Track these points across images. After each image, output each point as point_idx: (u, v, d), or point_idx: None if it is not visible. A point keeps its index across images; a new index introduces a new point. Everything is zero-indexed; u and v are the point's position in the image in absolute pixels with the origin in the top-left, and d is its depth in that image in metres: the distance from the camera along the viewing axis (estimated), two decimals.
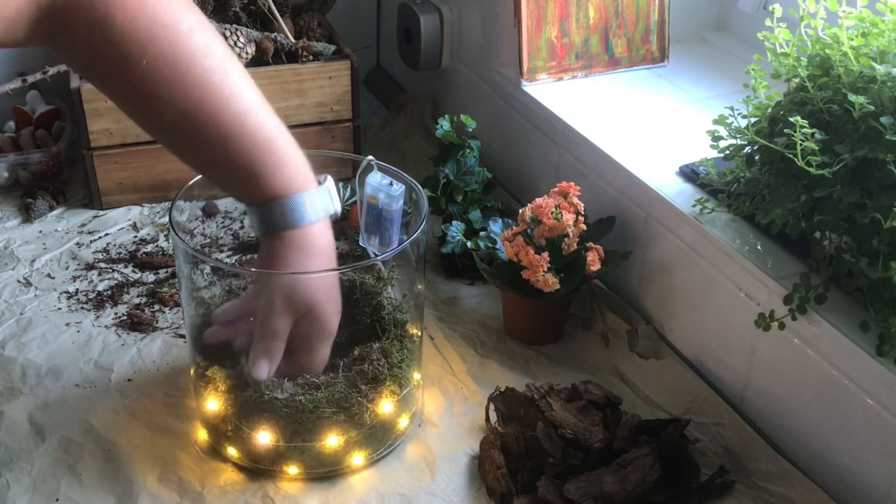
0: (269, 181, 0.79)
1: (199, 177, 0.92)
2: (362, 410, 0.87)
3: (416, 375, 0.95)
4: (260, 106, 0.79)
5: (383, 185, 0.92)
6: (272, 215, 0.80)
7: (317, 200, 0.82)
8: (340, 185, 1.27)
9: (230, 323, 0.89)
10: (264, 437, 0.87)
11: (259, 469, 0.89)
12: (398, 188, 0.92)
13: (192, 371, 0.93)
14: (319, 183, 0.83)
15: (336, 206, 0.84)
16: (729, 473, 0.89)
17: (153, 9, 0.73)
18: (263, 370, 0.84)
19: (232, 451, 0.90)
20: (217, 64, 0.76)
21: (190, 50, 0.74)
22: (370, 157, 0.92)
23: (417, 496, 0.87)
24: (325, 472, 0.89)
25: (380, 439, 0.90)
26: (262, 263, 0.83)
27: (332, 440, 0.87)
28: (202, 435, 0.93)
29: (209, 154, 0.79)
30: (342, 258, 1.21)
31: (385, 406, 0.89)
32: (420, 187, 0.93)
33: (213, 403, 0.89)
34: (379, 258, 0.94)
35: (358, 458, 0.90)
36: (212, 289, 0.95)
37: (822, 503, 0.85)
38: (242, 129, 0.77)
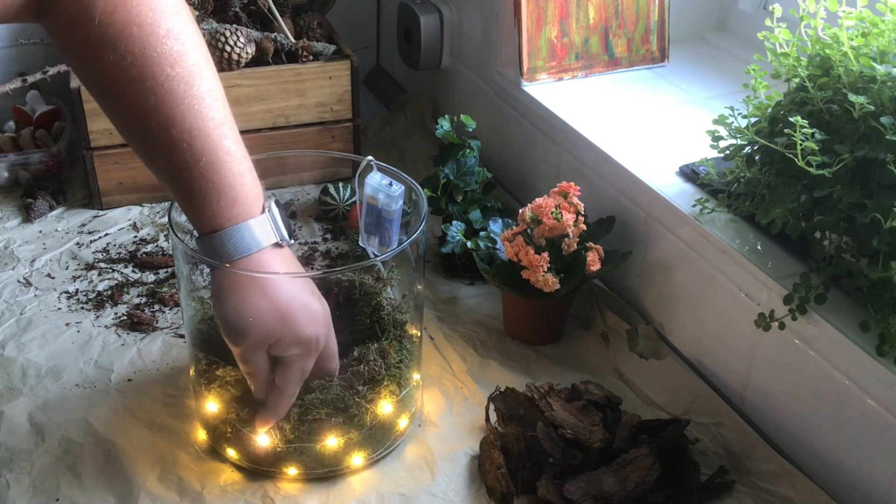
0: (205, 208, 0.77)
1: None
2: (361, 411, 0.87)
3: (416, 376, 0.94)
4: (217, 125, 0.76)
5: (383, 186, 0.92)
6: (212, 247, 0.78)
7: (257, 231, 0.79)
8: (340, 185, 1.28)
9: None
10: (263, 439, 0.87)
11: (259, 470, 0.89)
12: (398, 188, 0.92)
13: (191, 371, 0.93)
14: (264, 209, 0.80)
15: (280, 234, 0.80)
16: (729, 473, 0.89)
17: (135, 7, 0.73)
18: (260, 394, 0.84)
19: (231, 453, 0.90)
20: (184, 74, 0.74)
21: (159, 54, 0.73)
22: (369, 158, 0.92)
23: (417, 496, 0.87)
24: (325, 472, 0.89)
25: (379, 440, 0.90)
26: (214, 301, 0.80)
27: (331, 441, 0.87)
28: (201, 435, 0.93)
29: (155, 164, 0.78)
30: (342, 258, 1.22)
31: (384, 407, 0.89)
32: (420, 187, 0.93)
33: (213, 404, 0.89)
34: (378, 258, 0.94)
35: (357, 458, 0.89)
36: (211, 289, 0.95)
37: (822, 503, 0.85)
38: (190, 146, 0.75)
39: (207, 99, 0.76)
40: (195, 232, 0.81)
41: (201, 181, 0.76)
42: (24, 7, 0.73)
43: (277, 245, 0.80)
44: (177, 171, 0.76)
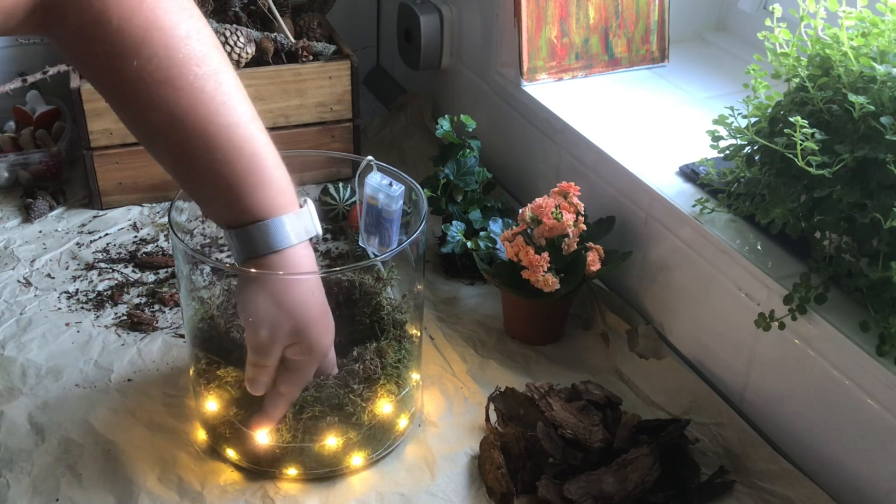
0: (249, 199, 0.77)
1: None
2: (358, 411, 0.87)
3: (416, 376, 0.94)
4: (250, 120, 0.78)
5: (383, 186, 0.92)
6: (252, 238, 0.78)
7: (297, 223, 0.79)
8: (340, 185, 1.28)
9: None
10: (263, 437, 0.87)
11: (258, 470, 0.89)
12: (397, 188, 0.92)
13: (191, 371, 0.93)
14: (300, 206, 0.81)
15: (317, 229, 0.81)
16: (729, 473, 0.89)
17: (151, 10, 0.73)
18: (259, 391, 0.84)
19: (231, 453, 0.90)
20: (211, 73, 0.75)
21: (184, 55, 0.74)
22: (369, 158, 0.92)
23: (417, 496, 0.87)
24: (325, 472, 0.89)
25: (379, 440, 0.90)
26: (241, 292, 0.81)
27: (330, 441, 0.87)
28: (201, 436, 0.93)
29: (192, 164, 0.78)
30: (342, 258, 1.22)
31: (383, 407, 0.89)
32: (420, 187, 0.93)
33: (213, 404, 0.89)
34: (378, 258, 0.94)
35: (357, 458, 0.89)
36: (212, 289, 0.95)
37: (822, 503, 0.85)
38: (229, 141, 0.76)
39: (237, 94, 0.77)
40: (228, 226, 0.80)
41: (247, 174, 0.77)
42: (26, 19, 0.72)
43: (309, 240, 0.81)
44: (220, 166, 0.76)
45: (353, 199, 1.28)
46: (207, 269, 0.96)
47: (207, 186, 0.79)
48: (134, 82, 0.73)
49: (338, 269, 0.85)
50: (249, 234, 0.78)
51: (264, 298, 0.79)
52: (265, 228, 0.78)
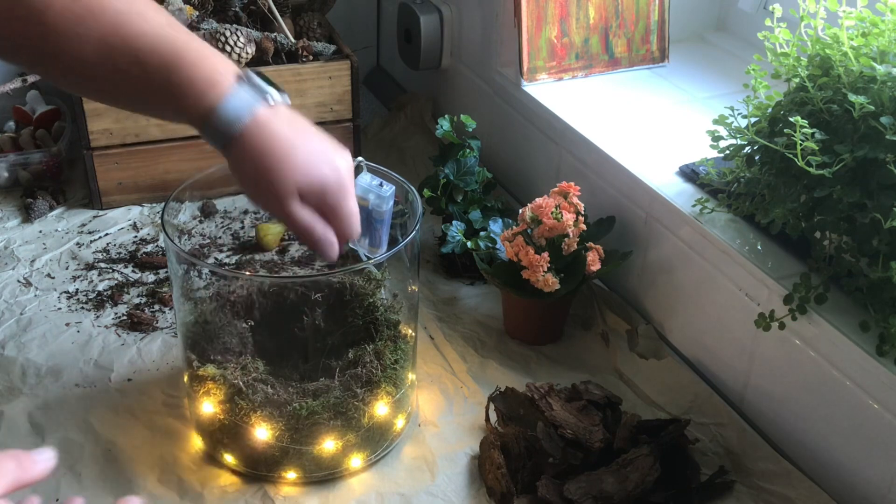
0: (191, 97, 0.77)
1: (196, 178, 0.92)
2: (359, 414, 0.87)
3: (411, 376, 0.94)
4: (172, 21, 0.79)
5: (373, 186, 0.92)
6: (216, 130, 0.78)
7: (244, 97, 0.78)
8: None
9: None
10: (260, 443, 0.86)
11: (257, 475, 0.89)
12: (388, 189, 0.92)
13: (185, 377, 0.93)
14: (241, 77, 0.80)
15: (269, 91, 0.80)
16: (729, 473, 0.89)
17: None
18: (332, 252, 0.81)
19: (229, 458, 0.90)
20: None
21: None
22: (360, 159, 0.92)
23: (417, 496, 0.87)
24: (324, 475, 0.89)
25: (377, 441, 0.90)
26: (237, 174, 0.80)
27: (328, 444, 0.87)
28: (198, 443, 0.93)
29: (139, 80, 0.77)
30: (342, 258, 1.22)
31: (380, 408, 0.88)
32: (412, 187, 0.93)
33: (208, 405, 0.89)
34: (371, 262, 0.94)
35: (356, 460, 0.89)
36: (208, 290, 0.95)
37: (822, 503, 0.85)
38: (159, 44, 0.76)
39: (150, 4, 0.78)
40: (197, 125, 0.80)
41: (179, 73, 0.77)
42: None
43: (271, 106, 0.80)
44: (159, 72, 0.76)
45: None
46: (207, 270, 0.96)
47: (155, 100, 0.79)
48: (61, 24, 0.74)
49: (334, 271, 0.85)
50: (212, 127, 0.78)
51: (251, 164, 0.78)
52: (219, 115, 0.77)
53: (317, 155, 0.80)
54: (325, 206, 0.80)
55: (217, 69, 0.79)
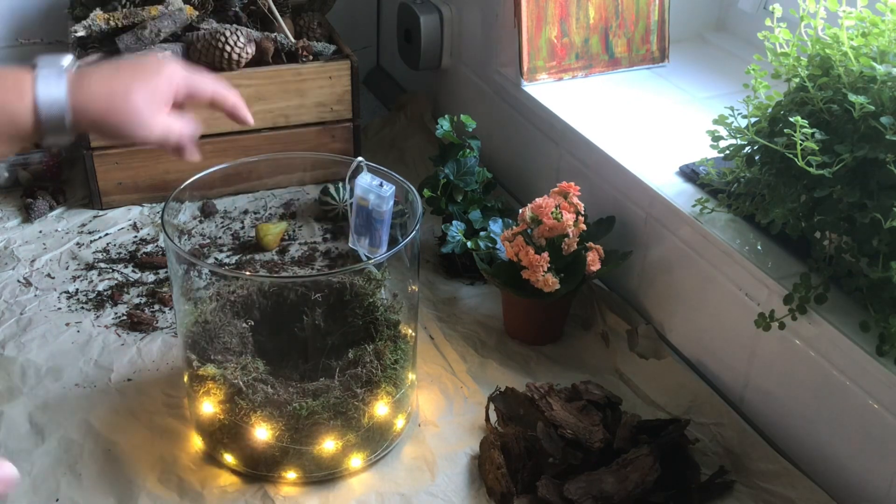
0: (8, 97, 0.77)
1: (196, 178, 0.92)
2: (359, 414, 0.87)
3: (411, 376, 0.94)
4: None
5: (373, 186, 0.92)
6: (48, 124, 0.77)
7: (45, 82, 0.77)
8: (340, 185, 1.28)
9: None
10: (260, 443, 0.86)
11: (257, 475, 0.89)
12: (388, 189, 0.92)
13: (185, 377, 0.93)
14: (33, 67, 0.79)
15: (63, 60, 0.79)
16: (729, 473, 0.89)
17: None
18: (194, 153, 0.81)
19: (229, 458, 0.90)
20: None
21: None
22: (360, 159, 0.92)
23: (417, 496, 0.87)
24: (324, 475, 0.89)
25: (377, 441, 0.90)
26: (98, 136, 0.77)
27: (328, 444, 0.87)
28: (198, 444, 0.93)
29: None
30: (342, 258, 1.22)
31: (380, 408, 0.88)
32: (412, 187, 0.93)
33: (208, 405, 0.89)
34: (371, 262, 0.94)
35: (356, 460, 0.89)
36: (208, 290, 0.95)
37: (822, 503, 0.85)
38: None
39: None
40: (35, 128, 0.78)
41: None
42: None
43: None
44: None
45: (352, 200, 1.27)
46: (206, 270, 0.96)
47: None
48: None
49: (334, 271, 0.85)
50: (44, 123, 0.77)
51: (101, 125, 0.78)
52: (40, 98, 0.76)
53: (142, 79, 0.79)
54: (179, 103, 0.79)
55: (14, 74, 0.78)
